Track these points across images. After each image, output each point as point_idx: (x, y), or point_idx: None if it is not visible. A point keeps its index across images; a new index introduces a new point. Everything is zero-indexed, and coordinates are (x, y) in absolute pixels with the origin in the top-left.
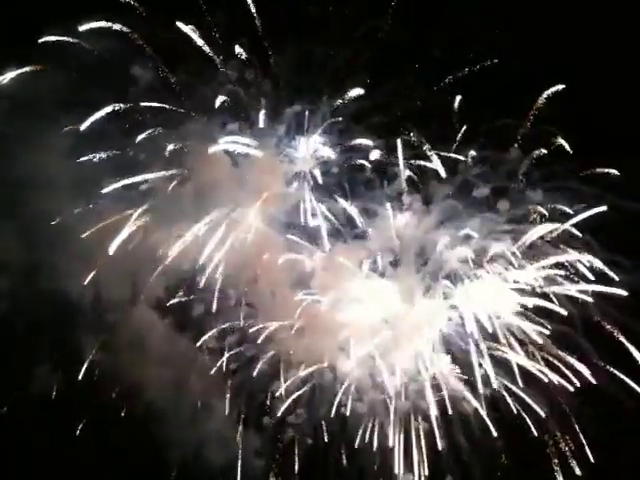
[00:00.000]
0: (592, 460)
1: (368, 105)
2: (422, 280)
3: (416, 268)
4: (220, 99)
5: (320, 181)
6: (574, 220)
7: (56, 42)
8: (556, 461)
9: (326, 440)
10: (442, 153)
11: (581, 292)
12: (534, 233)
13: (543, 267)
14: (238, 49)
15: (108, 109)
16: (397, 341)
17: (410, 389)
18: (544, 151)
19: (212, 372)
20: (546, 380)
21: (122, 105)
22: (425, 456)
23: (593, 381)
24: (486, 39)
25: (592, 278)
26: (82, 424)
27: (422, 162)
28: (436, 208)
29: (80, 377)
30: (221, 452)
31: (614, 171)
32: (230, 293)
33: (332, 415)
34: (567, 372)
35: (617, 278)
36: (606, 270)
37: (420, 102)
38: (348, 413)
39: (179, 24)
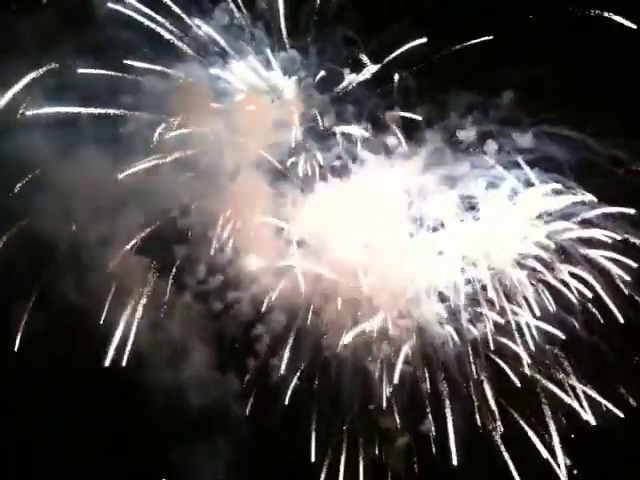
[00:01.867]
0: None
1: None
2: (408, 224)
3: (401, 211)
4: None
5: (310, 126)
6: None
7: None
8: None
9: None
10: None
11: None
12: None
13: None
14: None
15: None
16: (381, 285)
17: (394, 332)
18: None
19: (193, 315)
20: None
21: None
22: (407, 401)
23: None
24: None
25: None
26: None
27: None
28: (423, 152)
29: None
30: (202, 397)
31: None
32: (212, 235)
33: (317, 358)
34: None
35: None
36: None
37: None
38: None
39: None
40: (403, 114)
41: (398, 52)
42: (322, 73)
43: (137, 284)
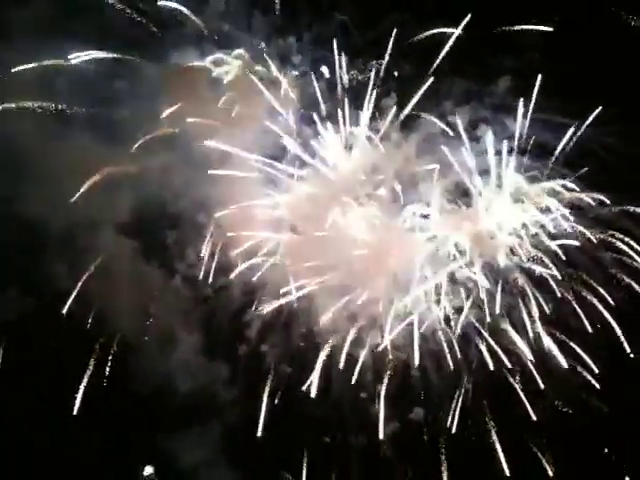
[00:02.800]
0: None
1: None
2: (399, 211)
3: (393, 198)
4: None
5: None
6: None
7: None
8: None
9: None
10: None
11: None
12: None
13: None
14: None
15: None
16: (372, 271)
17: (384, 319)
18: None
19: (183, 300)
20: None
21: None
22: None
23: None
24: None
25: None
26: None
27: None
28: (417, 139)
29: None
30: (190, 383)
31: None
32: (201, 220)
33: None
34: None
35: None
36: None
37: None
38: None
39: None
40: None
41: (433, 32)
42: (319, 62)
43: (126, 268)
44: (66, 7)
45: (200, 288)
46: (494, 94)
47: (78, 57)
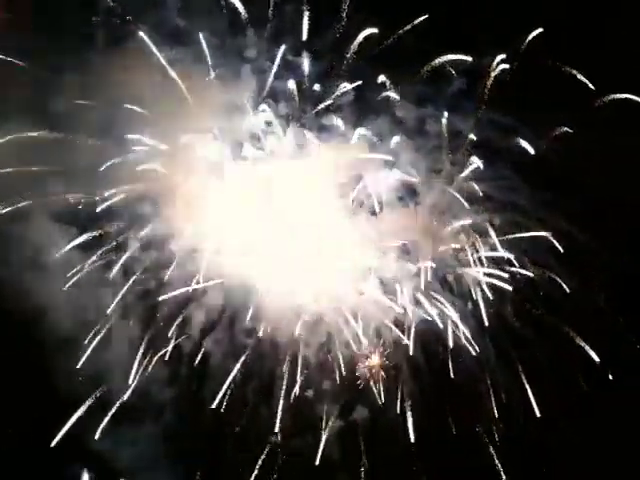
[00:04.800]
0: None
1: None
2: (347, 207)
3: (341, 195)
4: None
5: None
6: None
7: None
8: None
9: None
10: None
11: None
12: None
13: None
14: None
15: None
16: (320, 265)
17: (331, 317)
18: None
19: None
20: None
21: None
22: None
23: None
24: None
25: None
26: None
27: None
28: (367, 136)
29: None
30: (128, 382)
31: None
32: (142, 209)
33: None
34: None
35: None
36: None
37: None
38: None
39: None
40: None
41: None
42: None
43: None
44: None
45: (141, 281)
46: (447, 95)
47: None
